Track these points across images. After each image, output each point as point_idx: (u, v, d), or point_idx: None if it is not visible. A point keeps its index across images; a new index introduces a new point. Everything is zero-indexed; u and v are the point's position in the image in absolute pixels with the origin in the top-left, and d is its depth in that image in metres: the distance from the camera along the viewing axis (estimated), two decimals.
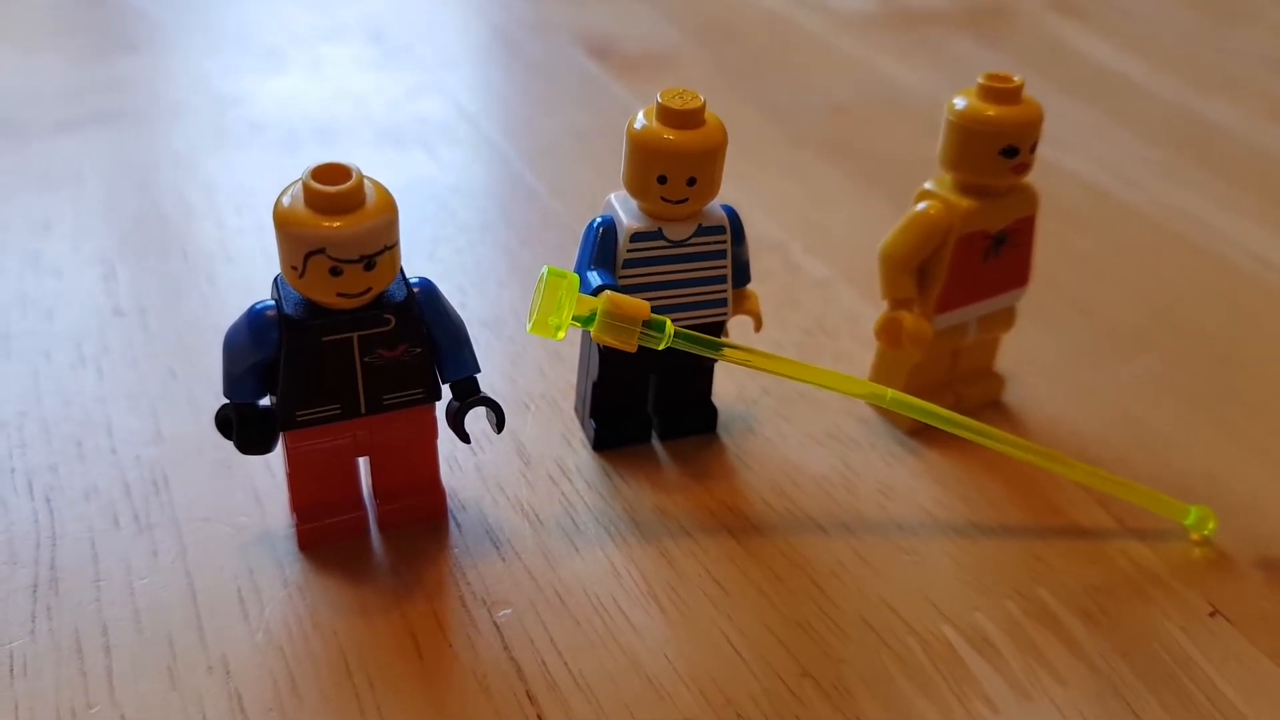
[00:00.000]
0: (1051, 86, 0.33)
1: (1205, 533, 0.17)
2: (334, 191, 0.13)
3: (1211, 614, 0.16)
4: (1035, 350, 0.21)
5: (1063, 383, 0.21)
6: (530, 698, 0.14)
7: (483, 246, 0.24)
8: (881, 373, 0.19)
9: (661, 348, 0.15)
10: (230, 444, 0.15)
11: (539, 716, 0.14)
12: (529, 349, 0.20)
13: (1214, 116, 0.32)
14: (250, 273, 0.22)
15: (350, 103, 0.30)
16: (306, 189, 0.13)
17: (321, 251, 0.13)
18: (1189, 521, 0.17)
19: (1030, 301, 0.19)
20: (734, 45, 0.35)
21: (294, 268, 0.13)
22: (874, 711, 0.14)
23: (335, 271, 0.13)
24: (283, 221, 0.13)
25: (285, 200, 0.13)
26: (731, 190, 0.17)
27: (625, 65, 0.33)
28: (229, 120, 0.29)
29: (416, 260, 0.23)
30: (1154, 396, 0.20)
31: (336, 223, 0.13)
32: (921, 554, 0.17)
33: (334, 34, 0.34)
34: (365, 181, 0.13)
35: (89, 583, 0.15)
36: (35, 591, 0.15)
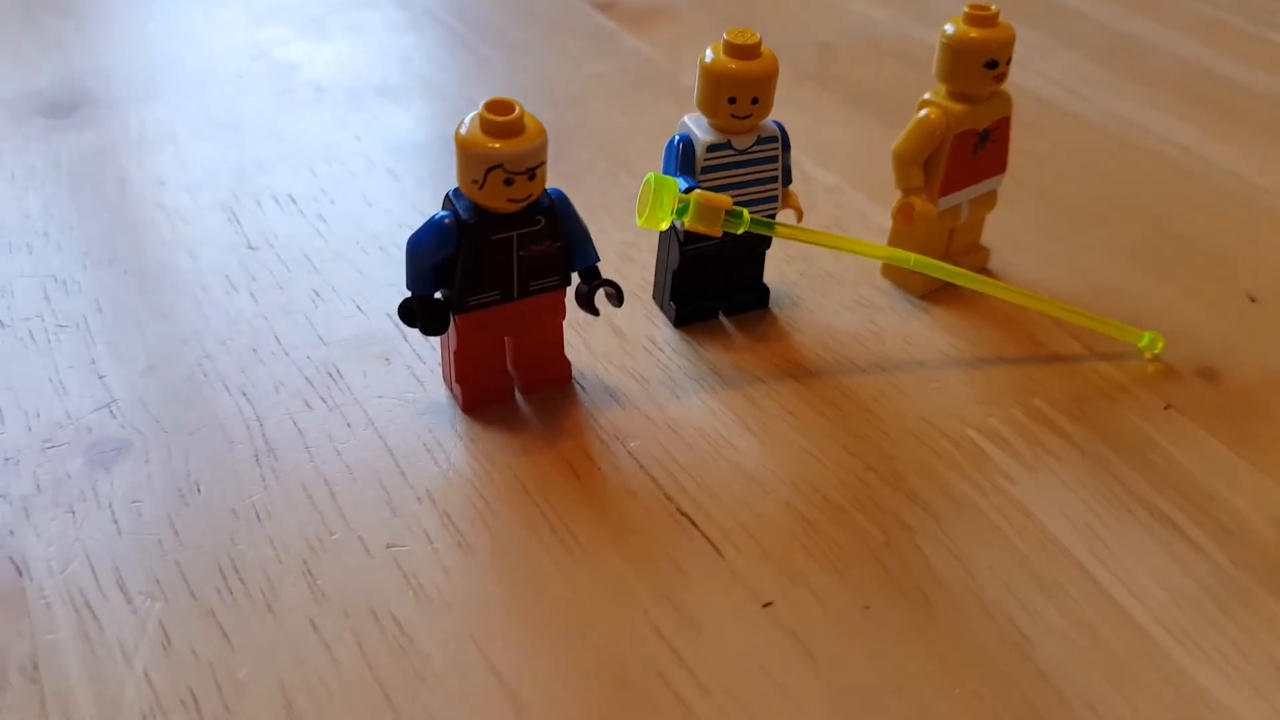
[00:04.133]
0: (1005, 14, 0.37)
1: (1156, 351, 0.22)
2: (506, 120, 0.17)
3: (1165, 408, 0.21)
4: (1010, 228, 0.26)
5: (1033, 252, 0.25)
6: (668, 497, 0.19)
7: None
8: (899, 251, 0.24)
9: (741, 231, 0.19)
10: (397, 334, 0.19)
11: (678, 509, 0.18)
12: (606, 256, 0.24)
13: (1142, 34, 0.37)
14: (352, 208, 0.26)
15: (396, 62, 0.34)
16: (483, 120, 0.17)
17: (500, 166, 0.17)
18: (1143, 344, 0.22)
19: (1003, 191, 0.24)
20: None
21: (475, 181, 0.17)
22: (922, 488, 0.19)
23: (508, 182, 0.17)
24: (468, 145, 0.17)
25: (464, 129, 0.17)
26: None
27: (631, 17, 0.37)
28: (294, 84, 0.32)
29: None
30: (1106, 259, 0.25)
31: (510, 144, 0.17)
32: (942, 382, 0.21)
33: (365, 3, 0.37)
34: (525, 112, 0.17)
35: (300, 449, 0.20)
36: (258, 460, 0.19)
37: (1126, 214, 0.27)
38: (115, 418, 0.20)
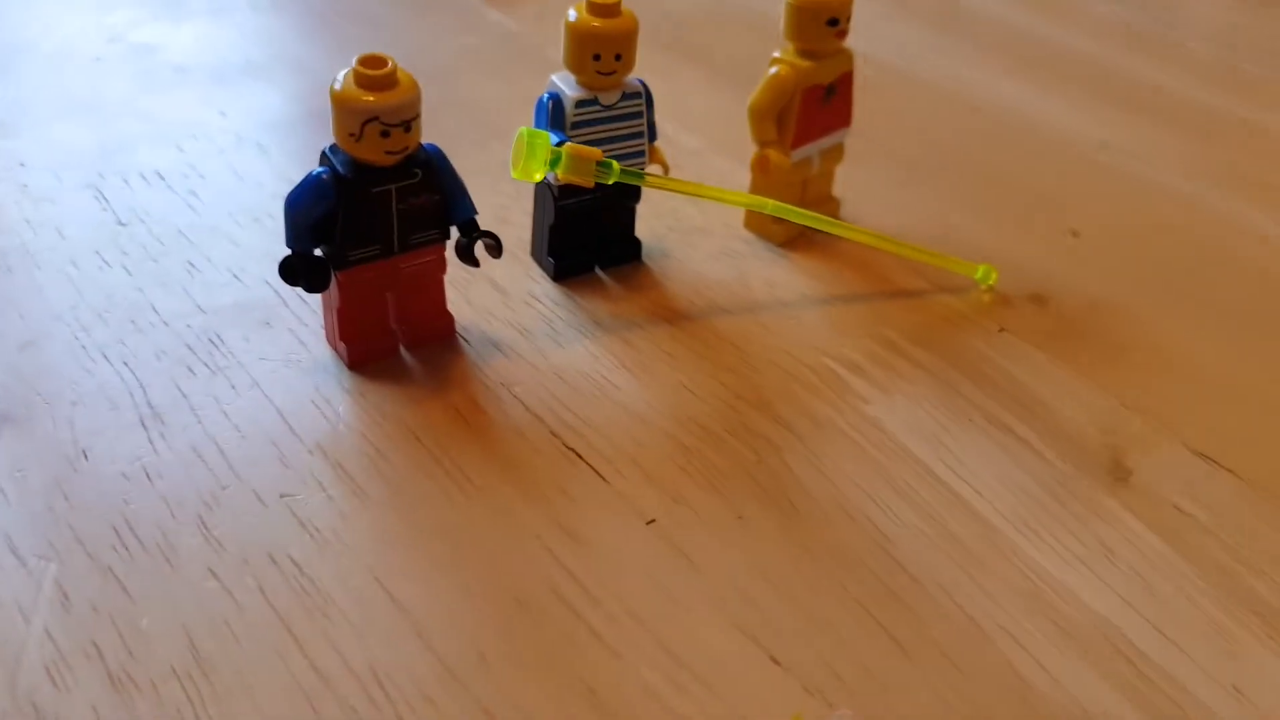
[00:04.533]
0: None
1: (990, 283, 0.24)
2: (380, 74, 0.18)
3: (1000, 331, 0.23)
4: (858, 181, 0.28)
5: (880, 202, 0.27)
6: (554, 434, 0.20)
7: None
8: (758, 197, 0.25)
9: (612, 181, 0.21)
10: (278, 299, 0.19)
11: (564, 444, 0.19)
12: (482, 219, 0.25)
13: (973, 4, 0.40)
14: (223, 183, 0.26)
15: (259, 41, 0.33)
16: (357, 75, 0.18)
17: (375, 119, 0.18)
18: (978, 276, 0.24)
19: (850, 147, 0.26)
20: None
21: (351, 134, 0.18)
22: (787, 412, 0.20)
23: (385, 134, 0.18)
24: (343, 99, 0.18)
25: (338, 84, 0.18)
26: None
27: None
28: (153, 64, 0.32)
29: None
30: (945, 204, 0.28)
31: (385, 95, 0.18)
32: (802, 319, 0.23)
33: None
34: (397, 66, 0.18)
35: (187, 413, 0.20)
36: (144, 424, 0.19)
37: (961, 164, 0.29)
38: None
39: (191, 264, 0.23)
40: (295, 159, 0.27)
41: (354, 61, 0.18)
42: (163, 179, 0.26)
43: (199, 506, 0.18)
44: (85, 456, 0.19)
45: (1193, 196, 0.28)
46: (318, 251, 0.19)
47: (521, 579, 0.17)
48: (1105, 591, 0.17)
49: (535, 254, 0.24)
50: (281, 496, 0.18)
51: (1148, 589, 0.17)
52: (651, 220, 0.25)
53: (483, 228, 0.20)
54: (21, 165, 0.27)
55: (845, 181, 0.27)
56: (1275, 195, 0.29)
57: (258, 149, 0.28)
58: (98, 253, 0.24)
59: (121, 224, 0.25)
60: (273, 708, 0.15)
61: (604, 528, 0.18)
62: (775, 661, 0.16)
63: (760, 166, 0.24)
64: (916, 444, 0.20)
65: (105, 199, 0.25)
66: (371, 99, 0.18)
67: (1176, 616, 0.17)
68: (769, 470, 0.19)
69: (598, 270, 0.24)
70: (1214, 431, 0.20)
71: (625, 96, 0.22)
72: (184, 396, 0.20)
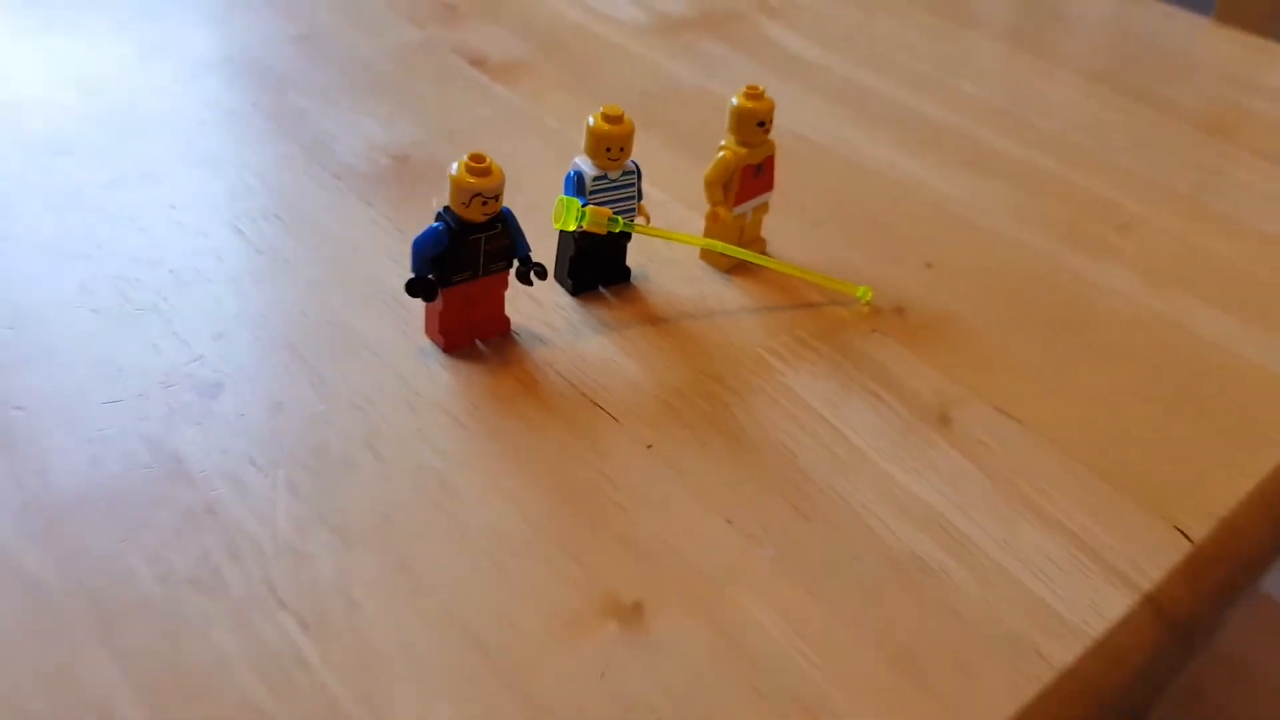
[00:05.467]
0: (762, 66, 0.51)
1: (868, 299, 0.35)
2: (481, 166, 0.28)
3: (872, 331, 0.34)
4: (777, 226, 0.39)
5: (791, 242, 0.38)
6: (583, 394, 0.30)
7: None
8: (711, 240, 0.36)
9: (619, 230, 0.31)
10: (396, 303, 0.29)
11: (592, 400, 0.30)
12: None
13: (868, 83, 0.51)
14: (323, 222, 0.36)
15: (329, 107, 0.43)
16: (467, 166, 0.28)
17: (479, 195, 0.28)
18: (859, 294, 0.35)
19: (771, 203, 0.37)
20: (563, 52, 0.50)
21: (463, 204, 0.28)
22: (733, 381, 0.31)
23: (484, 203, 0.28)
24: (458, 181, 0.28)
25: (454, 171, 0.28)
26: None
27: (498, 70, 0.48)
28: (249, 126, 0.41)
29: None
30: (836, 243, 0.39)
31: (485, 180, 0.28)
32: (741, 323, 0.34)
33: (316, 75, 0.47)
34: (492, 161, 0.28)
35: (350, 380, 0.30)
36: (313, 387, 0.29)
37: (851, 214, 0.41)
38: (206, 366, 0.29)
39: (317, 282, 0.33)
40: (387, 204, 0.37)
41: (464, 157, 0.28)
42: (280, 219, 0.36)
43: (368, 434, 0.28)
44: (280, 408, 0.28)
45: (1018, 237, 0.40)
46: (430, 276, 0.30)
47: (572, 479, 0.27)
48: (932, 490, 0.28)
49: (559, 277, 0.34)
50: (416, 430, 0.28)
51: (958, 489, 0.29)
52: (637, 254, 0.36)
53: (536, 261, 0.31)
54: (172, 207, 0.36)
55: (770, 227, 0.38)
56: (1080, 235, 0.40)
57: (357, 197, 0.38)
58: (250, 273, 0.33)
59: (259, 253, 0.34)
60: (432, 538, 0.25)
61: (619, 450, 0.28)
62: (729, 522, 0.27)
63: (712, 219, 0.35)
64: (816, 403, 0.31)
65: (243, 233, 0.35)
66: (476, 182, 0.28)
67: (974, 504, 0.28)
68: (722, 418, 0.30)
69: (601, 289, 0.34)
70: (1009, 396, 0.32)
71: (625, 173, 0.32)
72: (344, 374, 0.30)
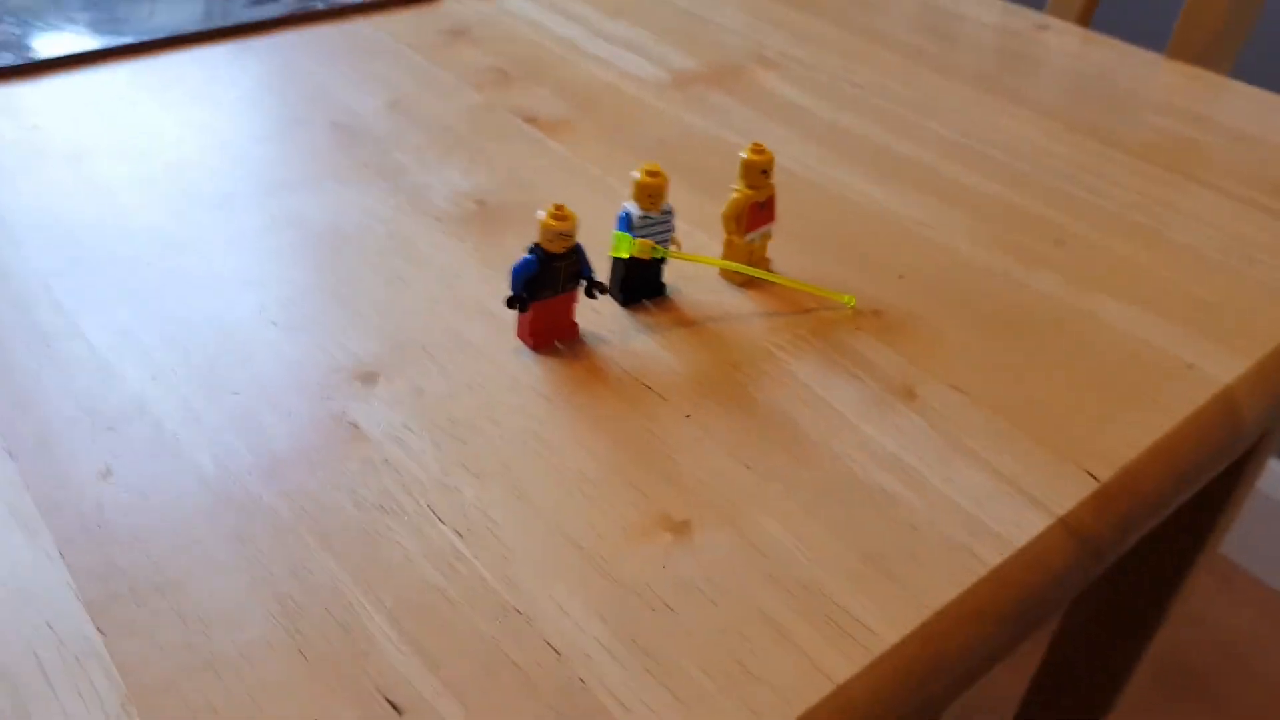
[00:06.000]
0: (761, 114, 0.62)
1: (852, 304, 0.46)
2: (563, 214, 0.39)
3: (856, 329, 0.45)
4: (778, 248, 0.49)
5: (789, 259, 0.49)
6: (635, 378, 0.40)
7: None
8: (728, 261, 0.47)
9: (659, 255, 0.42)
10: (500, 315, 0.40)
11: (643, 383, 0.40)
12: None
13: (849, 125, 0.62)
14: (446, 249, 0.47)
15: (418, 156, 0.54)
16: (551, 214, 0.39)
17: (561, 234, 0.39)
18: (845, 300, 0.46)
19: (775, 231, 0.47)
20: (598, 108, 0.61)
21: (549, 240, 0.39)
22: (748, 367, 0.42)
23: (564, 239, 0.39)
24: (546, 225, 0.38)
25: (540, 215, 0.39)
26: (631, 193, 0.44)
27: (547, 126, 0.59)
28: (376, 153, 0.52)
29: (515, 250, 0.48)
30: (827, 259, 0.49)
31: (566, 224, 0.39)
32: (753, 324, 0.44)
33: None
34: (569, 210, 0.39)
35: (468, 367, 0.40)
36: (437, 360, 0.40)
37: (837, 235, 0.51)
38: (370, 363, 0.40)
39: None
40: (475, 239, 0.48)
41: (550, 206, 0.39)
42: (399, 253, 0.47)
43: (485, 407, 0.38)
44: (421, 392, 0.39)
45: (971, 253, 0.51)
46: (524, 293, 0.40)
47: (632, 436, 0.38)
48: (896, 444, 0.39)
49: (612, 292, 0.45)
50: (518, 405, 0.39)
51: (916, 443, 0.39)
52: (671, 274, 0.47)
53: (598, 280, 0.41)
54: (314, 246, 0.47)
55: (774, 250, 0.48)
56: (1022, 250, 0.51)
57: (452, 234, 0.48)
58: (383, 294, 0.44)
59: (387, 281, 0.45)
60: (537, 476, 0.35)
61: (665, 418, 0.39)
62: (747, 467, 0.37)
63: (728, 245, 0.45)
64: (811, 382, 0.41)
65: (374, 264, 0.46)
66: (558, 225, 0.39)
67: (927, 453, 0.38)
68: (740, 394, 0.40)
69: (645, 301, 0.45)
70: (959, 375, 0.42)
71: (663, 213, 0.43)
72: (461, 366, 0.40)
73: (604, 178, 0.54)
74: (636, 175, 0.42)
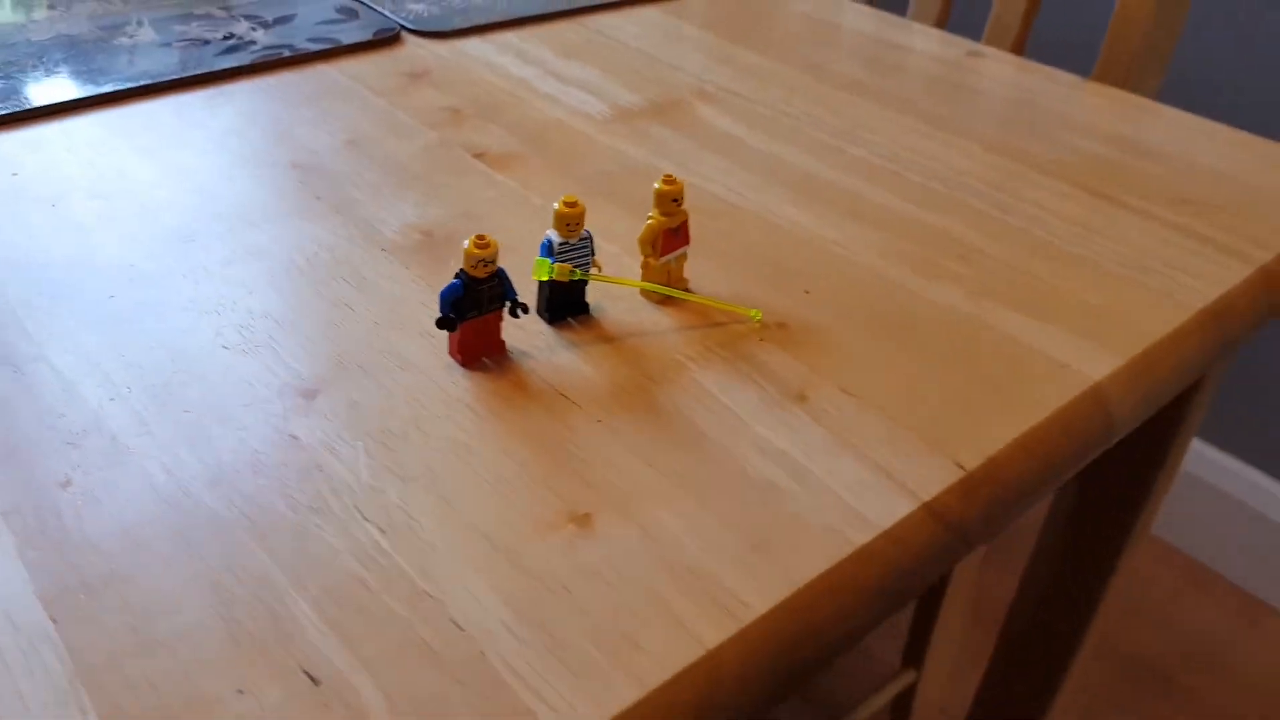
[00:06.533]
0: (697, 144, 0.66)
1: (759, 318, 0.50)
2: (485, 242, 0.43)
3: (761, 340, 0.48)
4: (699, 268, 0.53)
5: (708, 278, 0.53)
6: (558, 392, 0.44)
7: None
8: (645, 281, 0.51)
9: (577, 278, 0.46)
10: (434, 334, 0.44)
11: (563, 394, 0.44)
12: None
13: (779, 153, 0.66)
14: (392, 279, 0.51)
15: (375, 195, 0.58)
16: (474, 243, 0.43)
17: (483, 260, 0.43)
18: (753, 314, 0.50)
19: (693, 251, 0.52)
20: (546, 144, 0.66)
21: (473, 266, 0.43)
22: (661, 378, 0.45)
23: (485, 265, 0.43)
24: (469, 253, 0.43)
25: (466, 245, 0.43)
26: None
27: (495, 161, 0.63)
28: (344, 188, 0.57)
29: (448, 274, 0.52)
30: (741, 278, 0.53)
31: (487, 252, 0.43)
32: (667, 339, 0.48)
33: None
34: (491, 238, 0.43)
35: (414, 372, 0.44)
36: (382, 375, 0.44)
37: (756, 255, 0.55)
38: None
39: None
40: (421, 267, 0.52)
41: (473, 236, 0.43)
42: (348, 281, 0.51)
43: (416, 418, 0.42)
44: (357, 405, 0.43)
45: (879, 269, 0.54)
46: (451, 315, 0.44)
47: (548, 442, 0.42)
48: (786, 442, 0.42)
49: (539, 311, 0.49)
50: (446, 415, 0.43)
51: (804, 441, 0.43)
52: (594, 294, 0.51)
53: (521, 301, 0.45)
54: (270, 275, 0.51)
55: (694, 269, 0.52)
56: (927, 265, 0.55)
57: (400, 263, 0.53)
58: (330, 319, 0.48)
59: (334, 306, 0.49)
60: (458, 480, 0.39)
61: (580, 424, 0.43)
62: (650, 464, 0.41)
63: (645, 267, 0.49)
64: (714, 389, 0.45)
65: (322, 293, 0.50)
66: (480, 252, 0.43)
67: (814, 450, 0.42)
68: (649, 402, 0.44)
69: (569, 319, 0.49)
70: (851, 380, 0.46)
71: (581, 240, 0.47)
72: (398, 381, 0.44)
73: (546, 207, 0.58)
74: (556, 206, 0.46)
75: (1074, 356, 0.48)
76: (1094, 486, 0.77)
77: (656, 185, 0.49)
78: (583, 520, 0.38)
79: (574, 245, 0.47)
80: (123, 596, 0.34)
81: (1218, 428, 1.45)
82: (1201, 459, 1.46)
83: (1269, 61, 1.33)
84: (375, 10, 0.83)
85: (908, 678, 1.14)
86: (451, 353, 0.46)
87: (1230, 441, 1.45)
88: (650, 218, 0.49)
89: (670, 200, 0.49)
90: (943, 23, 1.02)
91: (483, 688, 0.32)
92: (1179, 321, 0.50)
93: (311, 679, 0.32)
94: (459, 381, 0.45)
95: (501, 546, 0.37)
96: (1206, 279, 0.54)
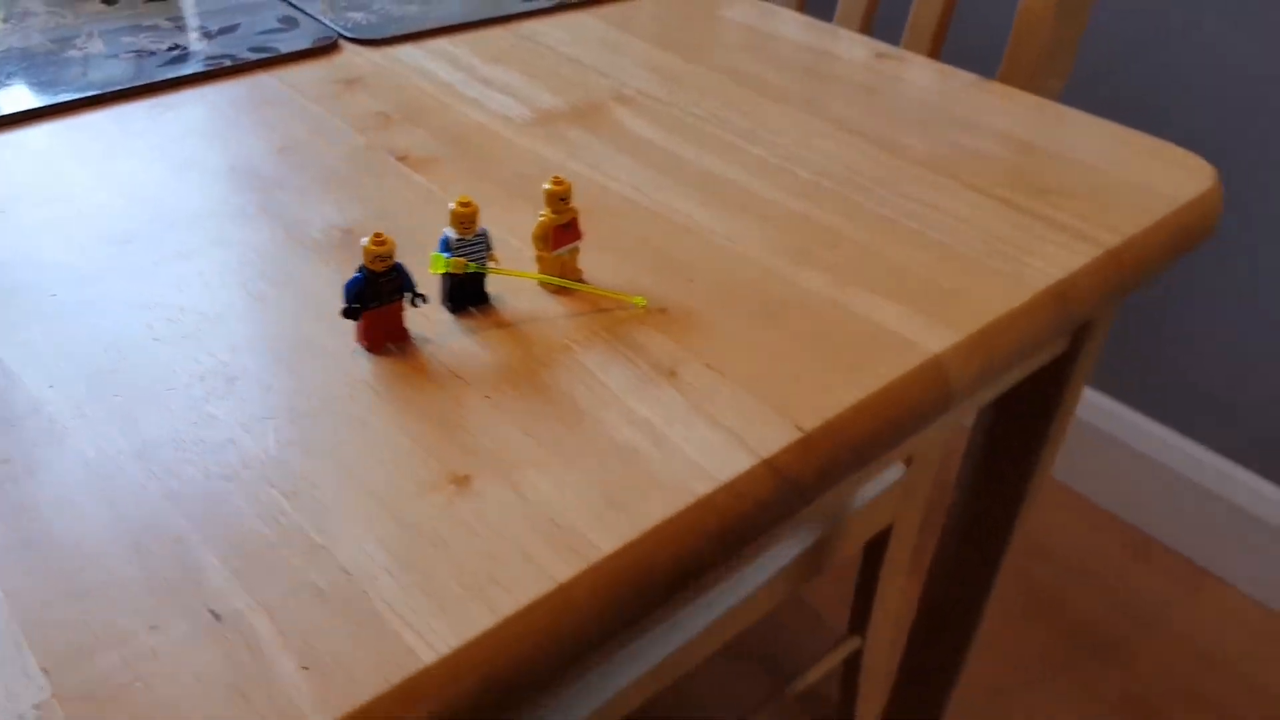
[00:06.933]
0: (609, 146, 0.71)
1: (643, 304, 0.55)
2: (381, 239, 0.48)
3: (641, 324, 0.54)
4: (595, 260, 0.59)
5: (603, 270, 0.58)
6: (454, 373, 0.50)
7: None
8: (541, 273, 0.56)
9: (470, 270, 0.51)
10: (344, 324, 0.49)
11: (458, 375, 0.50)
12: (420, 285, 0.55)
13: (683, 153, 0.71)
14: (310, 276, 0.56)
15: (293, 200, 0.64)
16: (372, 240, 0.48)
17: (379, 258, 0.48)
18: (638, 301, 0.55)
19: (589, 242, 0.57)
20: (467, 147, 0.71)
21: (369, 264, 0.48)
22: (549, 363, 0.51)
23: (383, 260, 0.48)
24: (368, 250, 0.48)
25: (364, 243, 0.48)
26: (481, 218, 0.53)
27: (417, 163, 0.68)
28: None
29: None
30: (635, 270, 0.59)
31: (384, 249, 0.48)
32: (558, 324, 0.54)
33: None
34: (388, 236, 0.49)
35: (321, 356, 0.50)
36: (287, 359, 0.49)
37: (649, 249, 0.61)
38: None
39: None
40: (339, 263, 0.58)
41: (370, 235, 0.48)
42: (271, 277, 0.56)
43: (325, 399, 0.48)
44: (271, 389, 0.48)
45: (758, 258, 0.60)
46: (356, 305, 0.50)
47: (438, 416, 0.47)
48: (649, 411, 0.48)
49: (442, 301, 0.54)
50: (350, 395, 0.48)
51: (667, 410, 0.48)
52: (497, 285, 0.56)
53: (419, 292, 0.51)
54: (200, 274, 0.56)
55: (590, 261, 0.58)
56: (802, 254, 0.60)
57: (320, 260, 0.58)
58: (253, 312, 0.53)
59: (258, 299, 0.55)
60: (358, 451, 0.45)
61: (469, 400, 0.48)
62: (527, 434, 0.46)
63: (540, 260, 0.55)
64: (593, 368, 0.51)
65: (247, 288, 0.55)
66: (377, 249, 0.48)
67: (675, 418, 0.48)
68: (534, 381, 0.50)
69: (471, 309, 0.54)
70: (717, 358, 0.51)
71: (477, 235, 0.52)
72: (311, 366, 0.50)
73: None
74: (452, 206, 0.52)
75: (919, 333, 0.53)
76: (997, 435, 0.83)
77: (546, 186, 0.54)
78: (462, 481, 0.44)
79: (470, 241, 0.52)
80: (53, 552, 0.40)
81: (1161, 404, 1.52)
82: (1148, 435, 1.53)
83: (1171, 59, 1.39)
84: (315, 19, 0.88)
85: (853, 644, 1.20)
86: (358, 339, 0.51)
87: (1170, 417, 1.51)
88: (542, 215, 0.55)
89: (558, 199, 0.54)
90: (868, 27, 1.07)
91: (361, 619, 0.38)
92: (1020, 300, 0.56)
93: (215, 615, 0.38)
94: (364, 365, 0.50)
95: (388, 506, 0.43)
96: (1053, 262, 0.59)
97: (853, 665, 1.24)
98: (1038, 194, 0.67)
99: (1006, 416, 0.82)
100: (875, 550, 1.10)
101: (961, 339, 0.53)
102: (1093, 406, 1.58)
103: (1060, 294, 0.58)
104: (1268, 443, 1.42)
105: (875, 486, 0.98)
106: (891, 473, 0.99)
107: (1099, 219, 0.64)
